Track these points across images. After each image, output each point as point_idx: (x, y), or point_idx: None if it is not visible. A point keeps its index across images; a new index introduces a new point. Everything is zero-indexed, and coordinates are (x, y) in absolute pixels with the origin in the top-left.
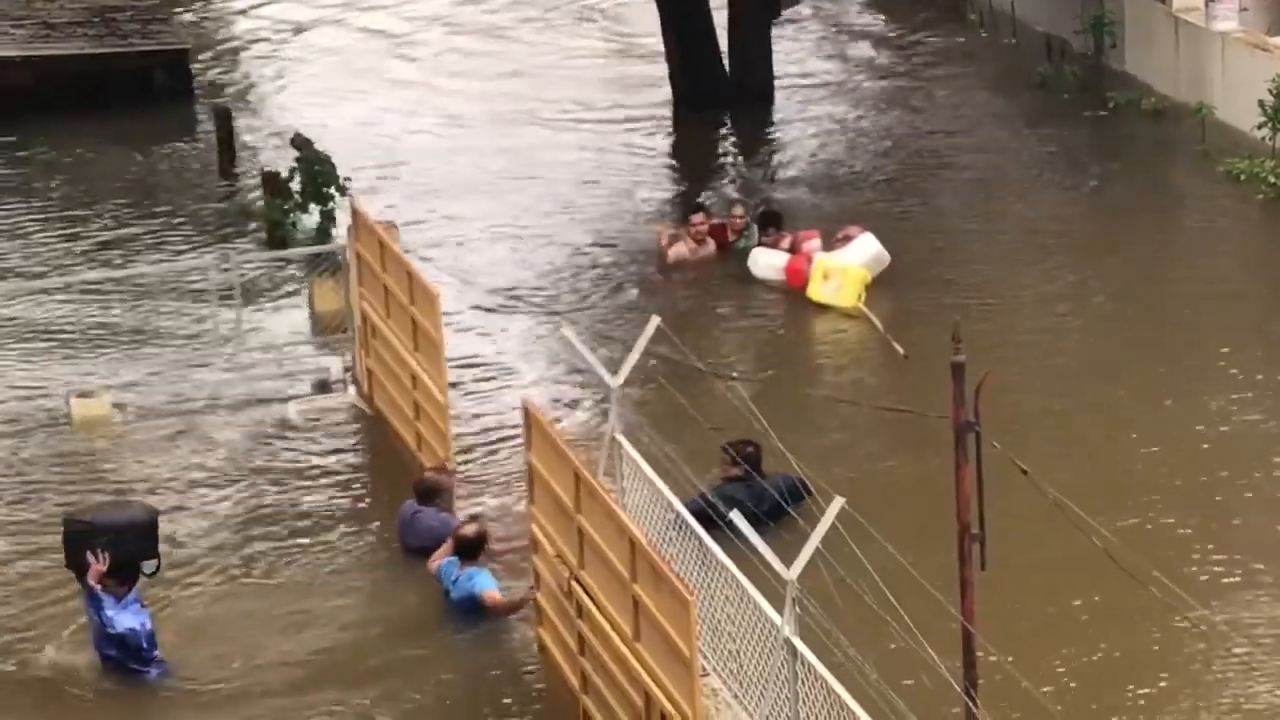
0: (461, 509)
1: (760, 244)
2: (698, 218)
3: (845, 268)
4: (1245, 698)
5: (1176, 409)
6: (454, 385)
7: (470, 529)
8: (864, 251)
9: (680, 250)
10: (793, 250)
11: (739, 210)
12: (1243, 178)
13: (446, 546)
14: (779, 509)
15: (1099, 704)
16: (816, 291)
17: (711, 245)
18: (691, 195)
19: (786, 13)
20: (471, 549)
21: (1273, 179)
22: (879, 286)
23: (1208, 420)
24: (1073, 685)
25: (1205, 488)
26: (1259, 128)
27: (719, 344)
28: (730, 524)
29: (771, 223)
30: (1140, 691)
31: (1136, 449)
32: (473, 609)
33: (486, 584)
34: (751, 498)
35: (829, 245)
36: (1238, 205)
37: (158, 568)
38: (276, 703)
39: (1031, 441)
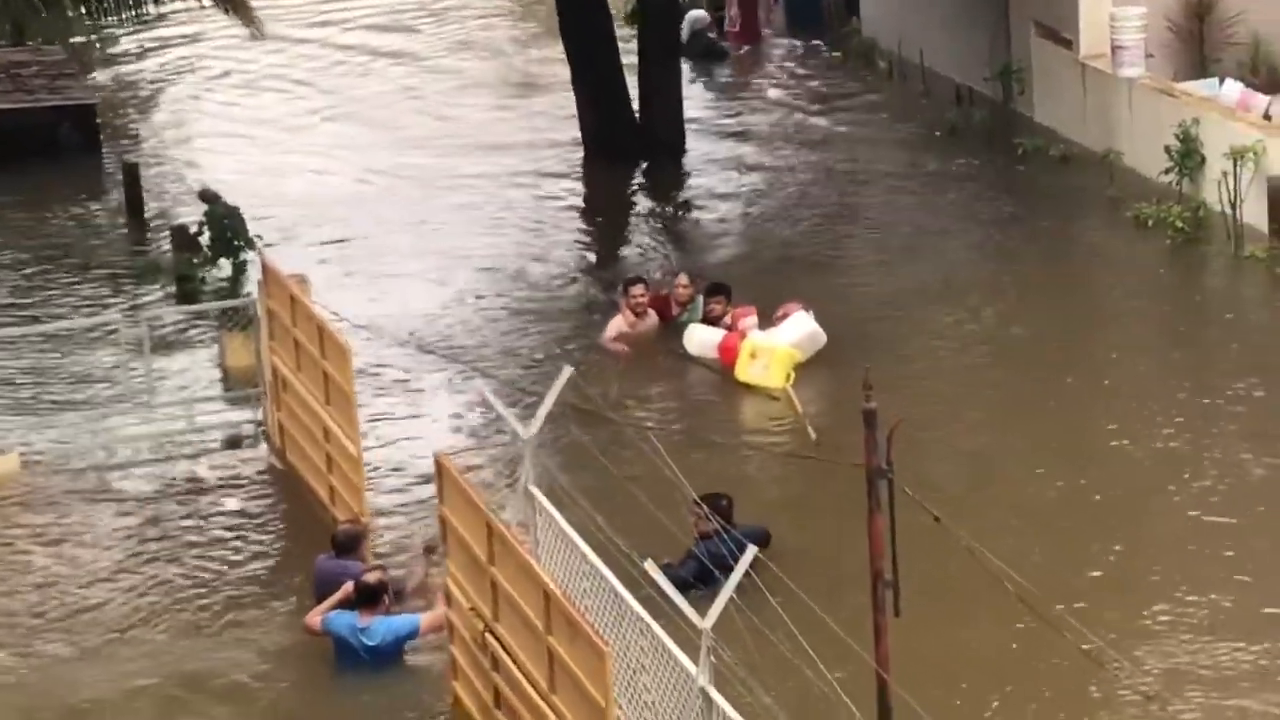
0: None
1: (705, 313)
2: (638, 289)
3: (773, 348)
4: None
5: (1088, 448)
6: (366, 439)
7: (372, 577)
8: (796, 331)
9: (618, 324)
10: (729, 327)
11: (683, 280)
12: (1150, 223)
13: (334, 599)
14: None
15: None
16: (744, 371)
17: (653, 318)
18: (608, 247)
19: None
20: (373, 597)
21: (1179, 224)
22: (812, 365)
23: (1119, 458)
24: None
25: (1117, 523)
26: (1166, 173)
27: (636, 401)
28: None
29: (719, 292)
30: None
31: (1051, 488)
32: (394, 654)
33: (410, 618)
34: (728, 554)
35: (768, 322)
36: (1145, 251)
37: None
38: None
39: (946, 484)
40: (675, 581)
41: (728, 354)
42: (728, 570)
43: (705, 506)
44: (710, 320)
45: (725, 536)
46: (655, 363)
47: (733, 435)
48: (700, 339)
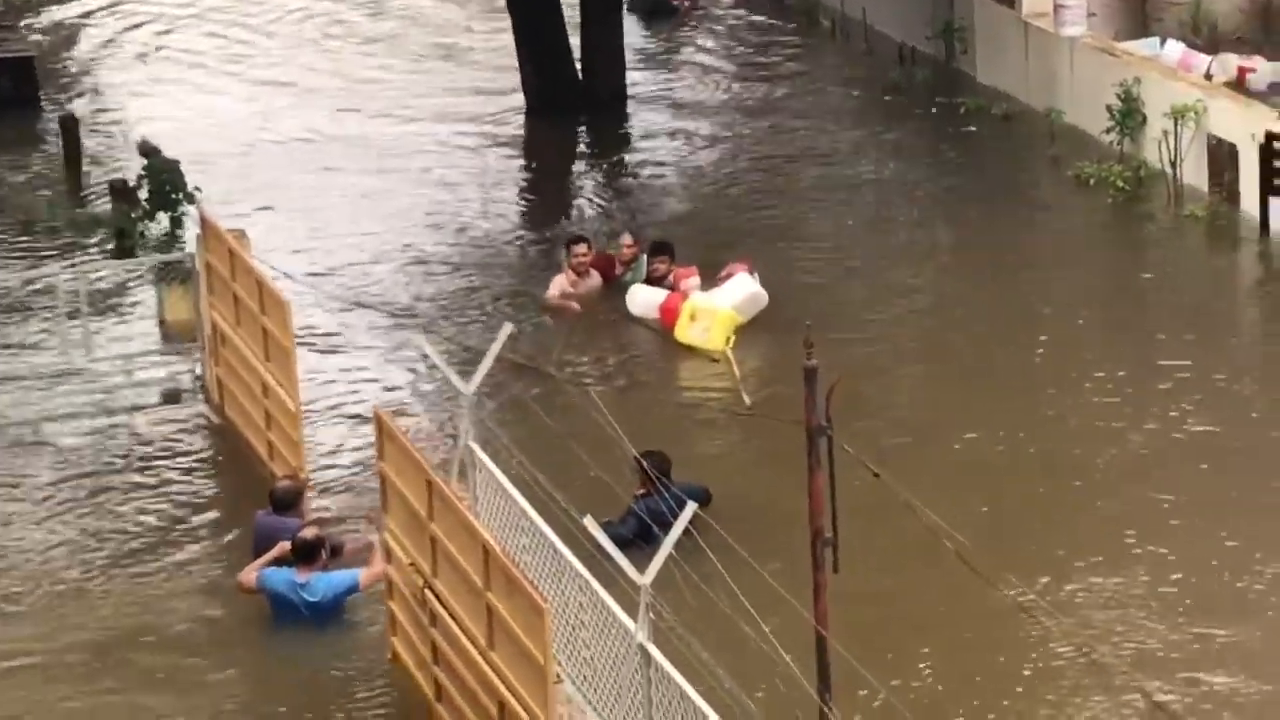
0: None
1: (649, 273)
2: (580, 248)
3: (714, 310)
4: (1103, 692)
5: (1028, 406)
6: (306, 401)
7: (309, 532)
8: (738, 292)
9: (560, 283)
10: (672, 287)
11: (627, 240)
12: (1092, 182)
13: (268, 556)
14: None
15: (952, 702)
16: (684, 333)
17: (596, 278)
18: (550, 205)
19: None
20: (311, 553)
21: (1120, 183)
22: (754, 326)
23: (1059, 415)
24: (925, 685)
25: (1056, 479)
26: (1107, 132)
27: (577, 360)
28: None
29: (663, 251)
30: (992, 687)
31: (992, 445)
32: (334, 610)
33: (350, 573)
34: (668, 511)
35: (711, 283)
36: (1086, 209)
37: None
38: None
39: (887, 443)
40: (615, 538)
41: (669, 315)
42: (667, 528)
43: (645, 463)
44: (654, 280)
45: (665, 494)
46: (597, 323)
47: (673, 395)
48: (643, 300)
